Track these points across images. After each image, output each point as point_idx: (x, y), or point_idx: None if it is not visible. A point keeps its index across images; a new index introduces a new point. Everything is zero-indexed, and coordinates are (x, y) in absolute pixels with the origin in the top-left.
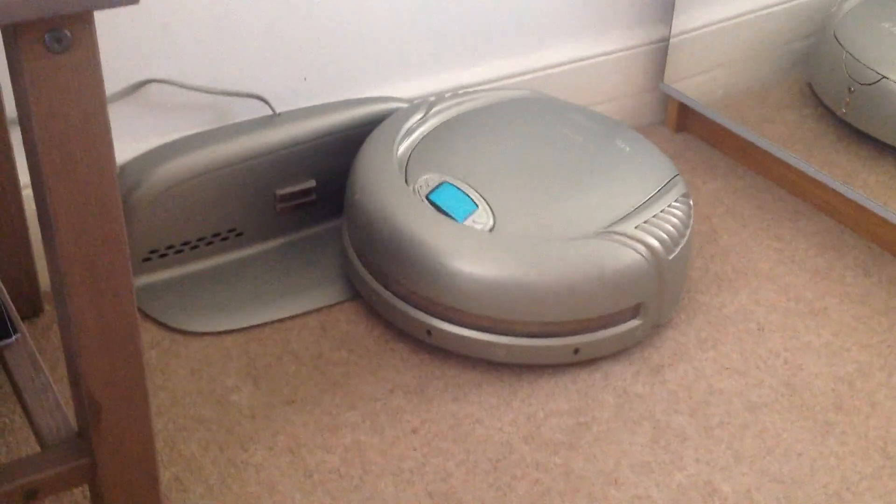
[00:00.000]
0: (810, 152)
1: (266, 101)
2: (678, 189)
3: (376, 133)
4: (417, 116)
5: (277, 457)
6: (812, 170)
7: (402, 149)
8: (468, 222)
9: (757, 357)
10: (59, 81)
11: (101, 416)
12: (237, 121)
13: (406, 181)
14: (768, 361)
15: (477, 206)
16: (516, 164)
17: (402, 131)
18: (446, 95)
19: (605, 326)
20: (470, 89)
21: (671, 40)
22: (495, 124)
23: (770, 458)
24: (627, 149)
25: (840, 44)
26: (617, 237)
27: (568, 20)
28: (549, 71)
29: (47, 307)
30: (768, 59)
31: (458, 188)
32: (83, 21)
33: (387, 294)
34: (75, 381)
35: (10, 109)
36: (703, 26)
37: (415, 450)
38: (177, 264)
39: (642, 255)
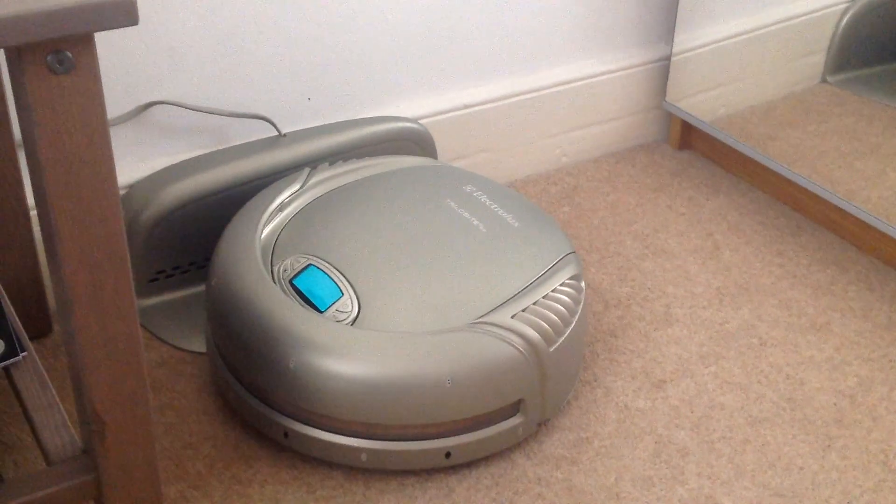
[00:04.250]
0: (813, 169)
1: (271, 122)
2: (570, 268)
3: (245, 209)
4: (293, 188)
5: (282, 473)
6: (815, 186)
7: (271, 226)
8: (330, 312)
9: (759, 372)
10: (62, 102)
11: (106, 433)
12: (243, 142)
13: (271, 263)
14: (770, 376)
15: (342, 293)
16: (393, 243)
17: (273, 206)
18: (326, 164)
19: (480, 426)
20: (358, 160)
21: (673, 59)
22: (376, 198)
23: (771, 472)
24: (517, 224)
25: None
26: (489, 328)
27: (570, 40)
28: (552, 90)
29: (56, 328)
30: (771, 77)
31: (325, 272)
32: (84, 43)
33: (241, 390)
34: (80, 398)
35: (18, 132)
36: (705, 45)
37: None
38: (184, 285)
39: (518, 349)
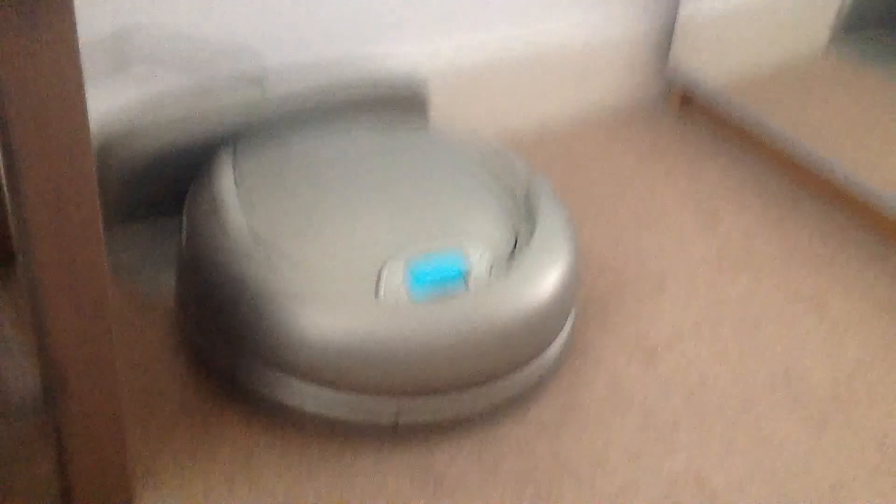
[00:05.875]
0: (816, 137)
1: (255, 54)
2: (520, 161)
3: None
4: (231, 183)
5: (252, 427)
6: (817, 156)
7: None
8: (478, 274)
9: (754, 345)
10: (29, 19)
11: (68, 378)
12: (223, 75)
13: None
14: (765, 350)
15: (462, 254)
16: (397, 203)
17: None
18: (231, 151)
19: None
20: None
21: (676, 23)
22: (321, 174)
23: (763, 450)
24: (441, 142)
25: None
26: (546, 245)
27: (571, 4)
28: (553, 51)
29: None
30: (775, 42)
31: (425, 263)
32: None
33: (338, 395)
34: (42, 346)
35: None
36: (708, 11)
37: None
38: (155, 236)
39: (571, 255)
